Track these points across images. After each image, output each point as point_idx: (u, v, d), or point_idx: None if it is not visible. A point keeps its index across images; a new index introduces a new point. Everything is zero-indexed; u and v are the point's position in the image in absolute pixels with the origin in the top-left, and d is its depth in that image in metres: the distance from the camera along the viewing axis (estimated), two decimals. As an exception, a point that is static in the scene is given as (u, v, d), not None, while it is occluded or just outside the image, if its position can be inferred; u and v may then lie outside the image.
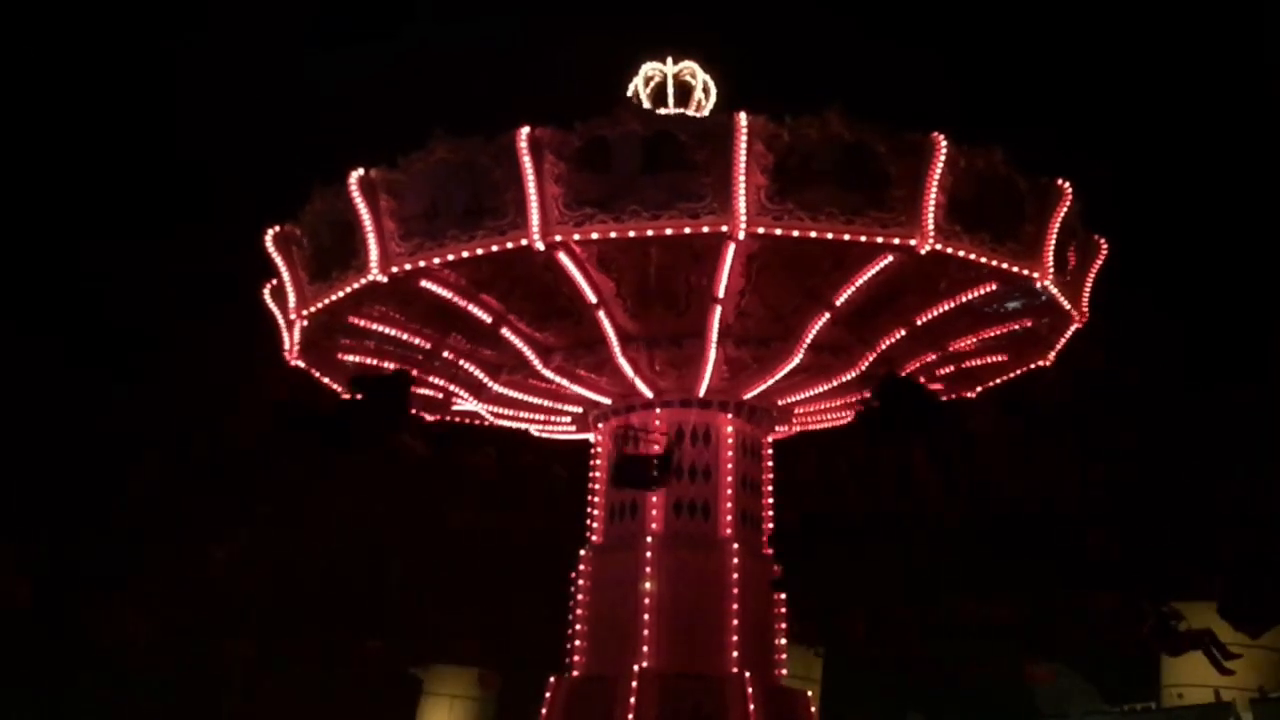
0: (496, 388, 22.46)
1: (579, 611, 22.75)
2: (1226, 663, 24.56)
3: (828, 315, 20.77)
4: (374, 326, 21.93)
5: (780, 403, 23.34)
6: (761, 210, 18.57)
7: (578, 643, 22.79)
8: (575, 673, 22.52)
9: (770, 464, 23.94)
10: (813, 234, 18.82)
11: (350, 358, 22.78)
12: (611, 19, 32.97)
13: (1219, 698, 27.67)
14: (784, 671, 23.62)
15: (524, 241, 18.68)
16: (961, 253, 19.67)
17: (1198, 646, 24.62)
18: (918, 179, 19.02)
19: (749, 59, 25.36)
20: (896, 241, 19.13)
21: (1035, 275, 20.64)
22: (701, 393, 22.41)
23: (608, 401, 22.93)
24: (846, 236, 18.96)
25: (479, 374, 22.34)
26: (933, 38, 39.48)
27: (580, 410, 23.49)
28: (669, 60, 24.30)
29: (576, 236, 18.66)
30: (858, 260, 19.83)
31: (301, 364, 22.82)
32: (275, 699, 27.00)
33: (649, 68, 24.22)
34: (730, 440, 23.02)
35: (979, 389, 25.19)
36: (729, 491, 22.97)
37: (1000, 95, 37.19)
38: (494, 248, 18.93)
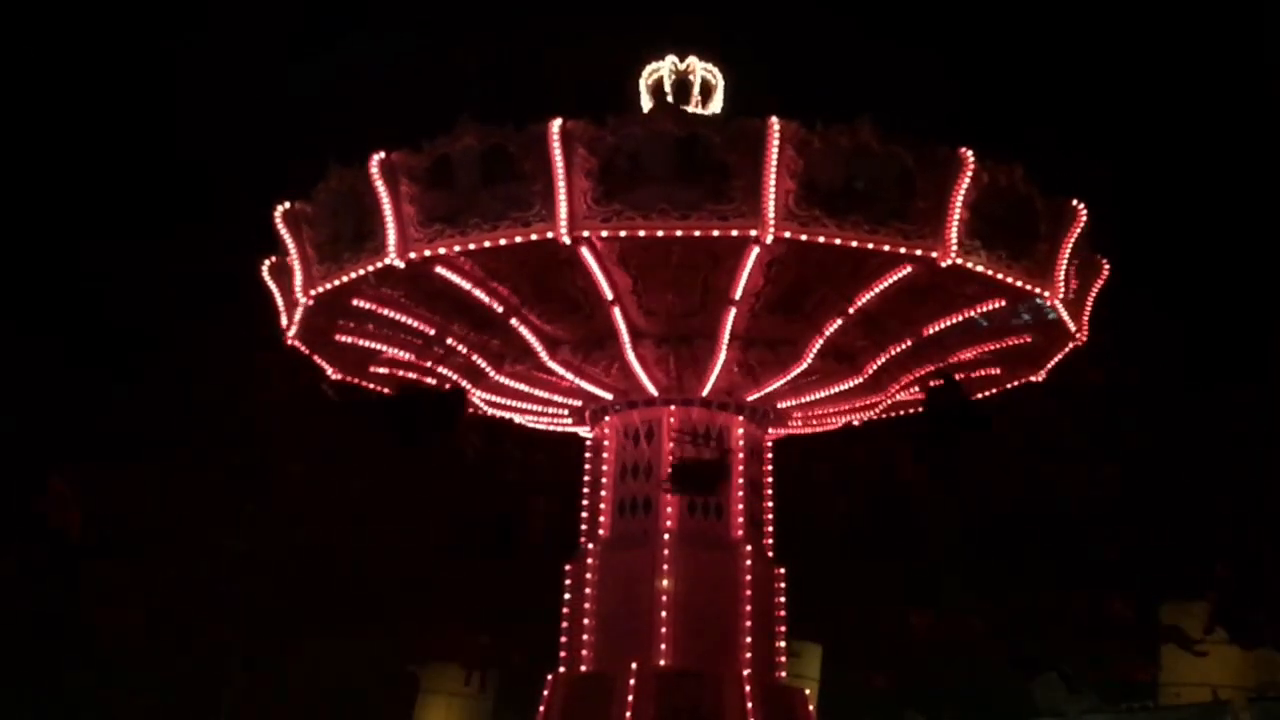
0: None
1: (587, 606, 22.89)
2: None
3: (734, 310, 20.44)
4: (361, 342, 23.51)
5: (752, 398, 22.94)
6: (589, 213, 18.69)
7: (585, 637, 23.02)
8: (575, 669, 22.96)
9: (770, 466, 23.64)
10: (641, 233, 18.74)
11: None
12: (614, 19, 33.00)
13: (1217, 697, 26.73)
14: (783, 674, 23.31)
15: (386, 261, 19.81)
16: (822, 239, 18.83)
17: None
18: (756, 167, 18.44)
19: (756, 59, 24.97)
20: (735, 234, 18.64)
21: (935, 254, 19.32)
22: (656, 392, 22.52)
23: (577, 403, 23.48)
24: (679, 233, 18.69)
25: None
26: (933, 38, 38.23)
27: (578, 404, 23.87)
28: (668, 59, 24.42)
29: (427, 253, 19.56)
30: (728, 253, 19.43)
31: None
32: (273, 696, 28.25)
33: (655, 66, 24.41)
34: (741, 442, 22.99)
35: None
36: (739, 494, 22.91)
37: (1001, 96, 36.01)
38: (369, 268, 20.19)
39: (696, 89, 24.18)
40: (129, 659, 27.33)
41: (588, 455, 23.76)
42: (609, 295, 20.27)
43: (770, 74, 25.58)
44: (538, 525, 26.00)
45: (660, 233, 18.68)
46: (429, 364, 23.42)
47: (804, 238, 18.74)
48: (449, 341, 22.36)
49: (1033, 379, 24.39)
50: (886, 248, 19.11)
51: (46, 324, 29.18)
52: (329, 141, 21.47)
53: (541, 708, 22.61)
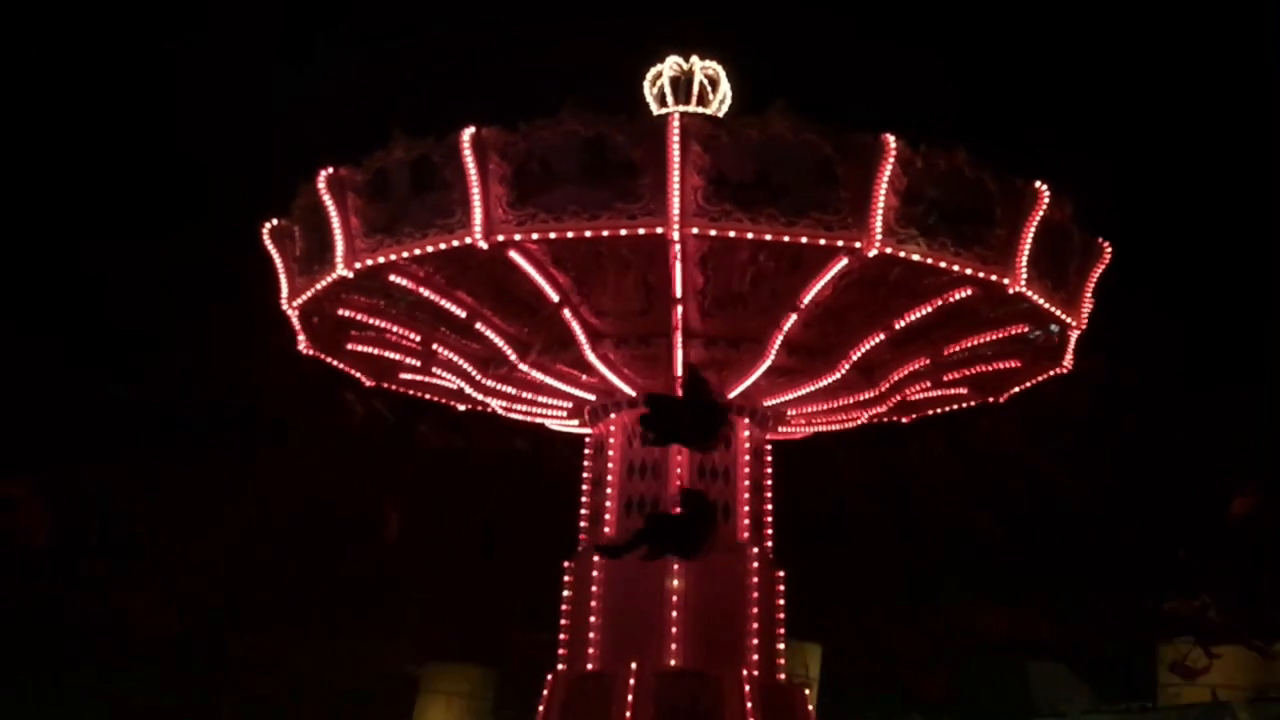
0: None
1: (594, 605, 22.74)
2: None
3: (680, 307, 20.40)
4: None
5: (731, 395, 22.68)
6: (505, 218, 19.02)
7: (592, 635, 22.66)
8: (579, 668, 22.77)
9: (770, 468, 23.48)
10: (552, 235, 18.96)
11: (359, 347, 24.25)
12: (615, 20, 32.66)
13: (1216, 697, 26.83)
14: (781, 676, 23.04)
15: (337, 273, 20.66)
16: (733, 233, 18.67)
17: None
18: (660, 163, 18.43)
19: (755, 61, 24.74)
20: (642, 231, 18.67)
21: (859, 244, 18.87)
22: (633, 392, 22.59)
23: (568, 403, 23.73)
24: (588, 233, 18.86)
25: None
26: (933, 37, 37.21)
27: (570, 404, 24.05)
28: (669, 59, 24.47)
29: (369, 262, 20.28)
30: (655, 251, 19.45)
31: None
32: (271, 695, 28.48)
33: (658, 69, 24.47)
34: (746, 444, 23.00)
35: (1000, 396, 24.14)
36: (744, 495, 22.89)
37: (1001, 95, 35.45)
38: (326, 280, 21.05)
39: (696, 89, 24.05)
40: (128, 658, 27.73)
41: (588, 453, 23.70)
42: (554, 298, 20.54)
43: (769, 76, 25.13)
44: (391, 527, 26.24)
45: (570, 234, 18.83)
46: (433, 369, 24.19)
47: (713, 233, 18.56)
48: (434, 347, 23.02)
49: (1058, 371, 23.62)
50: (804, 239, 18.72)
51: (46, 324, 29.26)
52: (330, 141, 21.85)
53: (541, 707, 22.72)
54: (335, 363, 24.90)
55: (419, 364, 24.14)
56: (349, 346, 24.32)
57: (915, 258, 19.15)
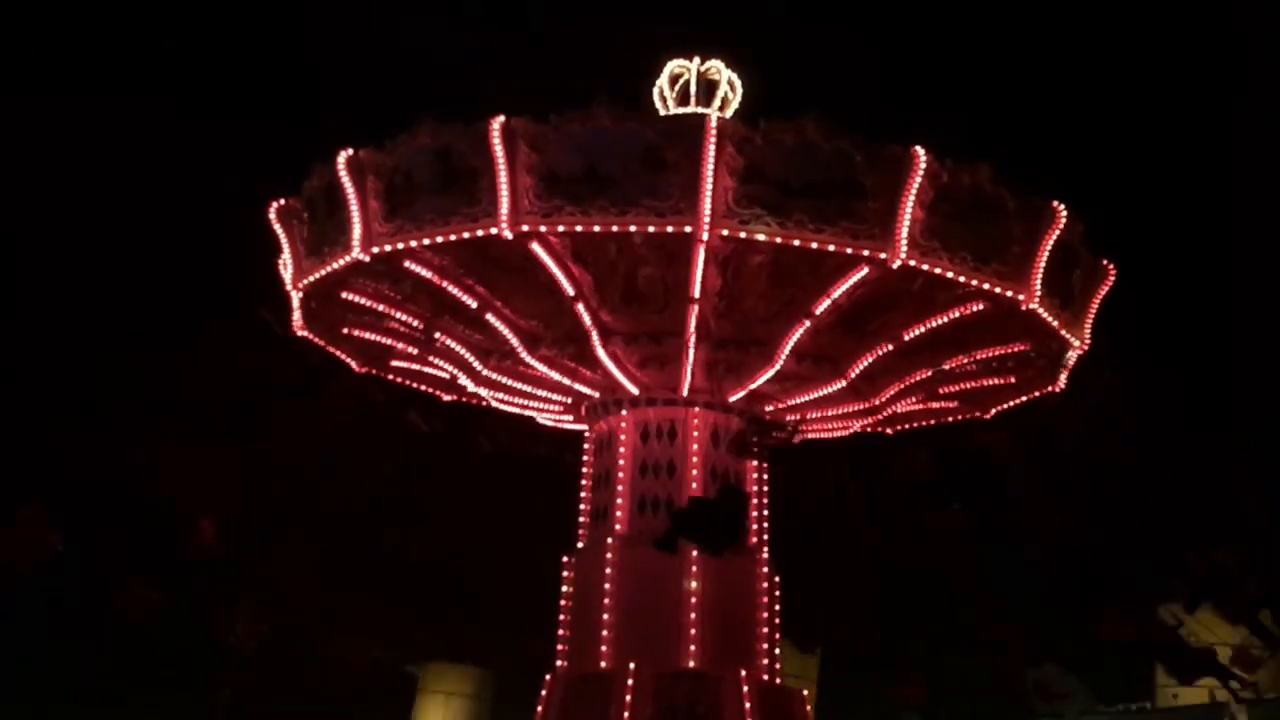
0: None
1: (606, 603, 22.66)
2: None
3: (580, 305, 20.63)
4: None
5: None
6: (380, 230, 20.18)
7: (605, 634, 22.51)
8: (578, 668, 22.85)
9: (766, 474, 23.28)
10: (413, 243, 19.84)
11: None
12: (622, 19, 31.45)
13: (1214, 698, 27.75)
14: (779, 680, 22.74)
15: (291, 292, 22.49)
16: (562, 228, 18.84)
17: None
18: (490, 166, 18.94)
19: (751, 62, 24.36)
20: (480, 233, 19.17)
21: (689, 229, 18.53)
22: (597, 393, 22.92)
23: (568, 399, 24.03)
24: (440, 239, 19.59)
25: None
26: (929, 45, 35.84)
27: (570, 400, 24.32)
28: (671, 62, 24.65)
29: (310, 279, 21.89)
30: (520, 252, 19.84)
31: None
32: (270, 694, 28.21)
33: (675, 64, 24.66)
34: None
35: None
36: (753, 501, 22.94)
37: (998, 107, 34.65)
38: (295, 301, 22.89)
39: (696, 89, 24.05)
40: (127, 656, 27.76)
41: (589, 449, 23.80)
42: (472, 304, 21.36)
43: (771, 80, 24.63)
44: (204, 542, 26.19)
45: (427, 240, 19.67)
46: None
47: (543, 229, 18.87)
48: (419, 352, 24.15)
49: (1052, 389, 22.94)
50: (634, 228, 18.61)
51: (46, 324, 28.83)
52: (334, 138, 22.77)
53: (540, 707, 22.99)
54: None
55: (448, 377, 25.39)
56: (392, 363, 25.86)
57: (761, 237, 18.44)
